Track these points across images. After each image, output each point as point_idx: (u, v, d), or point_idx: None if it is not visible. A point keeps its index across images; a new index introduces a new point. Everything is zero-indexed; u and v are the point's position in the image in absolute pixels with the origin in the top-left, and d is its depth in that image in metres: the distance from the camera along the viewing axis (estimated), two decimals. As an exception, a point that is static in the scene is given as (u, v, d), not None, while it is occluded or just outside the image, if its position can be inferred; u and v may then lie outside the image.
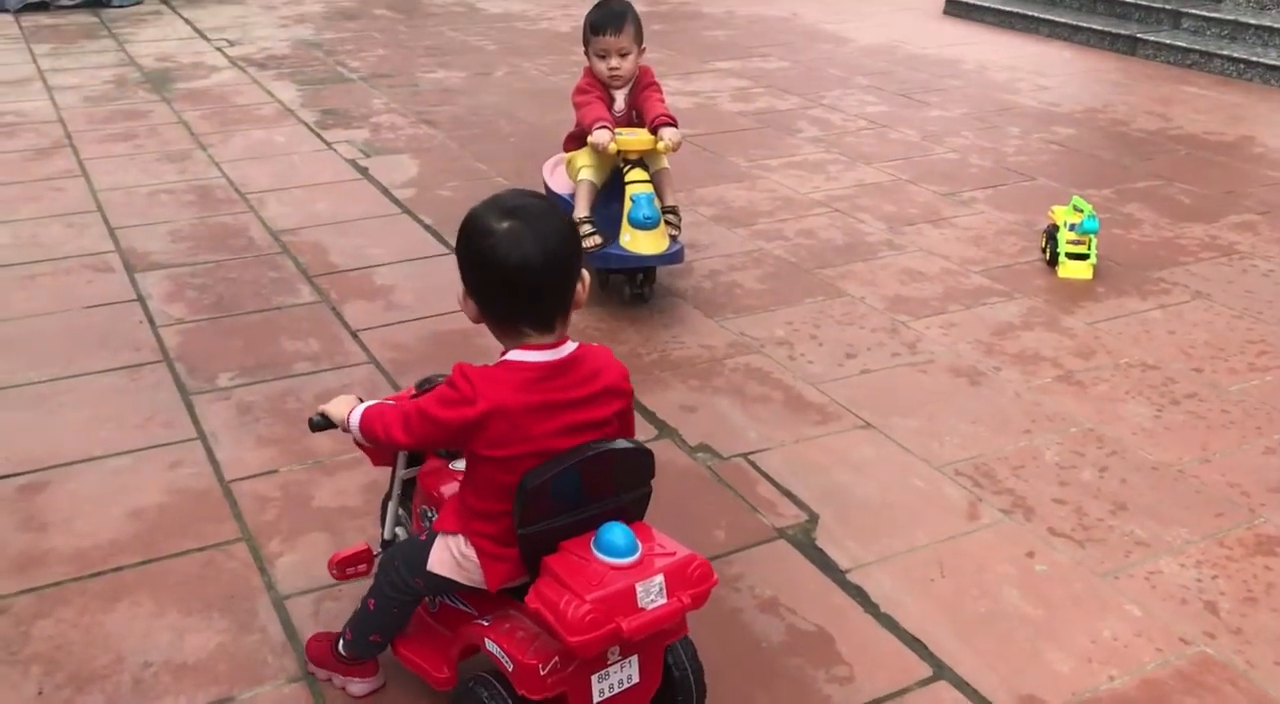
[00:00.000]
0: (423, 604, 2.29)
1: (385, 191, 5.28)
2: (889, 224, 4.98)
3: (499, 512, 1.97)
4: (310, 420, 2.19)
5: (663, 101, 4.03)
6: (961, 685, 2.38)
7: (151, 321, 3.96)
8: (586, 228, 3.96)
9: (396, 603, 2.17)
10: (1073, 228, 4.43)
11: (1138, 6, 8.74)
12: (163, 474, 3.08)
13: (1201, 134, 6.45)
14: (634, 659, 2.02)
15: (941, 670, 2.43)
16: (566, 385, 1.95)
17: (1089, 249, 4.44)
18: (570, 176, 4.12)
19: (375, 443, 2.08)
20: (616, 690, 2.01)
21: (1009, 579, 2.71)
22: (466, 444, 1.95)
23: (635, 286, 4.10)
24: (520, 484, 1.92)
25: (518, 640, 1.99)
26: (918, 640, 2.51)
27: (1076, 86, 7.58)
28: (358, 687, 2.33)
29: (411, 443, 2.01)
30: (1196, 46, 8.02)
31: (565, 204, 4.16)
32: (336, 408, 2.15)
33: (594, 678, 1.98)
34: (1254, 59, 7.70)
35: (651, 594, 1.89)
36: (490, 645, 2.02)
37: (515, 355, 1.95)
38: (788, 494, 3.03)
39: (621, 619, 1.85)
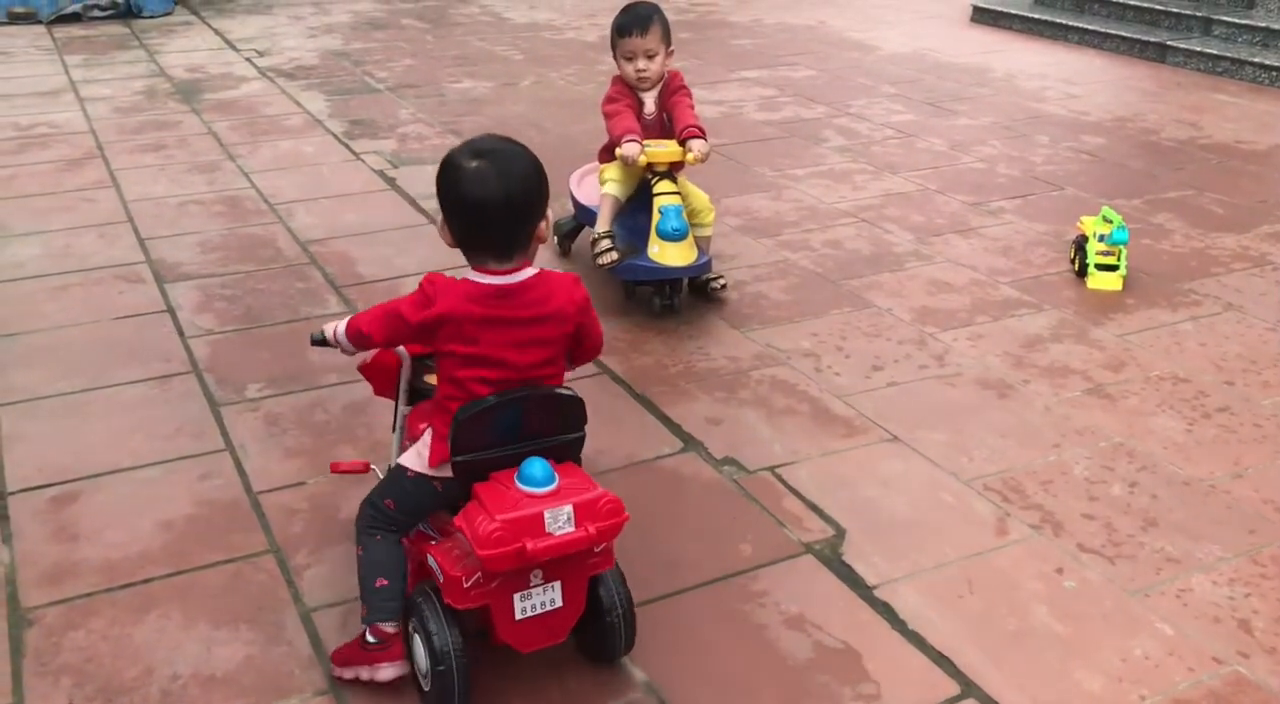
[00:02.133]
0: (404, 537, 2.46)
1: (412, 202, 5.30)
2: (916, 234, 4.96)
3: (453, 396, 2.23)
4: (311, 335, 2.46)
5: (692, 108, 4.02)
6: (989, 703, 2.37)
7: (181, 332, 3.99)
8: (605, 243, 4.00)
9: (374, 532, 2.35)
10: (1102, 239, 4.39)
11: (1168, 14, 8.67)
12: (192, 485, 3.10)
13: (1233, 143, 6.39)
14: (557, 584, 2.23)
15: (969, 688, 2.41)
16: (514, 306, 2.20)
17: (1119, 260, 4.41)
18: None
19: (356, 342, 2.34)
20: (539, 611, 2.22)
21: (1038, 596, 2.69)
22: (431, 340, 2.23)
23: (664, 298, 4.08)
24: (454, 415, 2.17)
25: (453, 558, 2.22)
26: (945, 658, 2.49)
27: (1106, 95, 7.53)
28: (386, 671, 2.32)
29: (384, 338, 2.31)
30: (1228, 54, 7.94)
31: (592, 215, 4.17)
32: (329, 327, 2.41)
33: (516, 596, 2.19)
34: (1286, 66, 7.63)
35: (560, 521, 2.12)
36: (430, 560, 2.28)
37: (472, 275, 2.22)
38: (814, 508, 3.02)
39: (528, 540, 2.08)
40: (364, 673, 2.35)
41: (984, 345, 3.94)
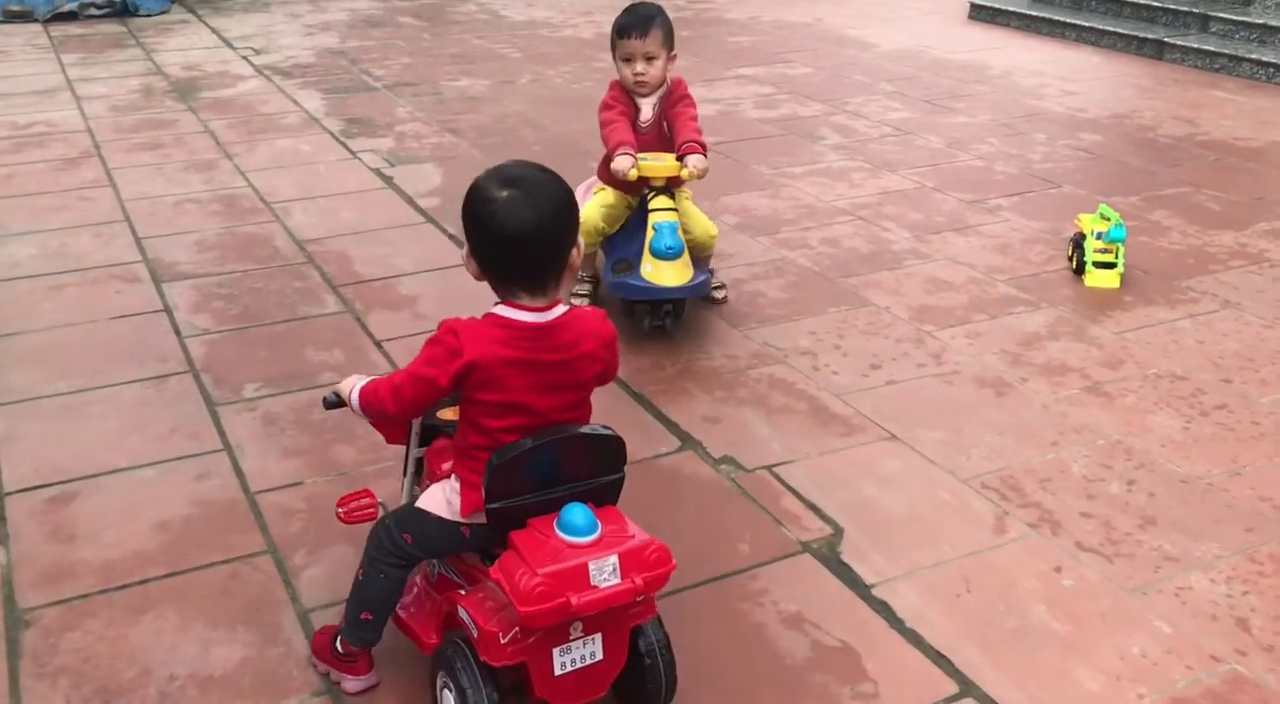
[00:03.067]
0: (423, 574, 2.38)
1: (410, 201, 5.30)
2: (914, 232, 4.96)
3: (481, 446, 2.10)
4: (324, 399, 2.32)
5: (695, 120, 3.84)
6: (987, 702, 2.36)
7: (178, 332, 3.98)
8: (584, 287, 4.13)
9: (383, 567, 2.24)
10: (1100, 236, 4.39)
11: (1165, 10, 8.66)
12: (189, 486, 3.09)
13: (1230, 139, 6.39)
14: (598, 637, 2.10)
15: (968, 687, 2.41)
16: (547, 348, 2.08)
17: (1116, 258, 4.40)
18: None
19: (375, 416, 2.25)
20: (579, 665, 2.10)
21: (1036, 594, 2.69)
22: (459, 389, 2.09)
23: (656, 318, 3.89)
24: (489, 461, 2.04)
25: (486, 610, 2.10)
26: (944, 657, 2.49)
27: (1103, 92, 7.53)
28: (351, 684, 2.36)
29: (402, 411, 2.17)
30: (1225, 50, 7.94)
31: None
32: (345, 385, 2.27)
33: (555, 651, 2.07)
34: (1283, 63, 7.63)
35: (605, 573, 1.99)
36: (461, 612, 2.14)
37: (502, 311, 2.09)
38: (812, 507, 3.01)
39: (572, 595, 1.95)
40: (333, 674, 2.39)
41: (982, 343, 3.94)
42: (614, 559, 2.00)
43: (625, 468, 2.18)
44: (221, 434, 3.34)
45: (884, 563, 2.80)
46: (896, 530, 2.92)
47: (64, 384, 3.62)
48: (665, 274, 3.73)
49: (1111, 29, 8.70)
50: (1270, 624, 2.59)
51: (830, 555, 2.83)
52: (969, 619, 2.60)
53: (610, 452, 2.14)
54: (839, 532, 2.91)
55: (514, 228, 2.02)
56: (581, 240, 2.17)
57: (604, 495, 2.15)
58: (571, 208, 2.11)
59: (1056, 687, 2.41)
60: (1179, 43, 8.23)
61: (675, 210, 3.80)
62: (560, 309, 2.10)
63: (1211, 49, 8.01)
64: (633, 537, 2.06)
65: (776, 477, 3.15)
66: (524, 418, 2.09)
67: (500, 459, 2.04)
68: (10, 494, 3.06)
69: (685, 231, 3.83)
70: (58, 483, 3.10)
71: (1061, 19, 9.10)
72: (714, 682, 2.41)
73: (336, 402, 2.29)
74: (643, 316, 3.93)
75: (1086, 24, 8.90)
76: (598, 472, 2.14)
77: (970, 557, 2.82)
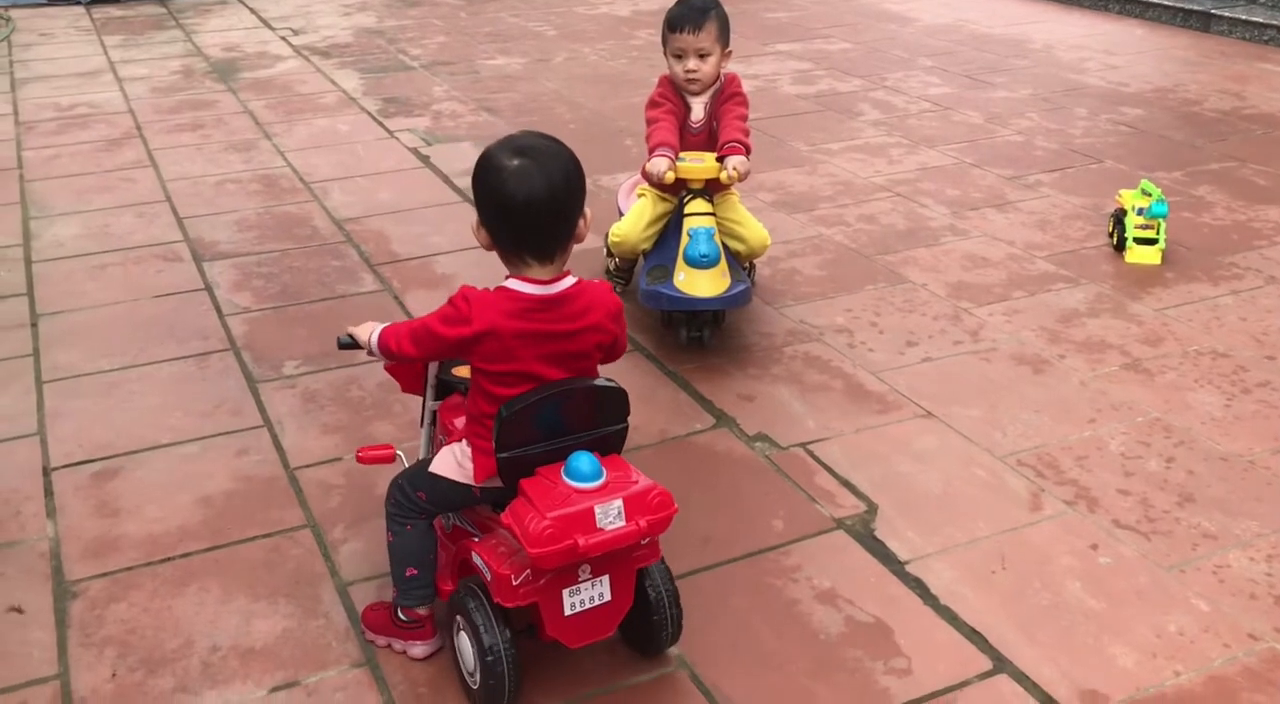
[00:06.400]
0: (439, 527, 2.45)
1: (447, 180, 5.32)
2: (952, 208, 4.92)
3: (491, 414, 2.17)
4: (338, 339, 2.41)
5: (743, 119, 3.57)
6: (1022, 679, 2.36)
7: (219, 310, 4.03)
8: (616, 284, 4.05)
9: (405, 521, 2.34)
10: (1141, 212, 4.33)
11: (1212, -19, 8.51)
12: (230, 461, 3.14)
13: (1278, 112, 6.27)
14: (605, 578, 2.20)
15: (1002, 664, 2.41)
16: (555, 318, 2.14)
17: (1158, 233, 4.35)
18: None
19: (390, 356, 2.30)
20: (588, 606, 2.20)
21: (1072, 571, 2.67)
22: (466, 356, 2.17)
23: (694, 329, 3.67)
24: (498, 412, 2.13)
25: (499, 554, 2.20)
26: (978, 633, 2.49)
27: (1147, 65, 7.41)
28: (418, 649, 2.41)
29: (420, 354, 2.24)
30: (1274, 21, 7.78)
31: None
32: (361, 330, 2.33)
33: (565, 592, 2.17)
34: (1334, 34, 7.47)
35: (610, 516, 2.08)
36: (475, 558, 2.24)
37: (513, 284, 2.14)
38: (847, 484, 3.01)
39: (580, 537, 2.05)
40: (396, 644, 2.44)
41: (1020, 320, 3.91)
42: (619, 503, 2.09)
43: (629, 419, 2.25)
44: (262, 411, 3.39)
45: (918, 540, 2.79)
46: (931, 507, 2.92)
47: (107, 362, 3.68)
48: (699, 283, 3.48)
49: (1156, 1, 8.55)
50: (1310, 603, 2.57)
51: (864, 532, 2.83)
52: (1003, 596, 2.60)
53: (614, 403, 2.23)
54: (873, 508, 2.91)
55: (525, 196, 2.07)
56: (588, 211, 2.19)
57: (609, 444, 2.24)
58: (580, 176, 2.16)
59: (1091, 664, 2.40)
60: (1226, 14, 8.07)
61: (712, 215, 3.56)
62: (569, 280, 2.16)
63: (1260, 20, 7.85)
64: (636, 482, 2.14)
65: (811, 454, 3.15)
66: (529, 386, 2.16)
67: (509, 411, 2.13)
68: (56, 469, 3.12)
69: (737, 239, 3.66)
70: (102, 458, 3.16)
71: (1105, -9, 8.95)
72: (747, 656, 2.43)
73: (350, 343, 2.38)
74: (679, 327, 3.70)
75: (1130, -4, 8.75)
76: (602, 422, 2.23)
77: (1005, 534, 2.81)
